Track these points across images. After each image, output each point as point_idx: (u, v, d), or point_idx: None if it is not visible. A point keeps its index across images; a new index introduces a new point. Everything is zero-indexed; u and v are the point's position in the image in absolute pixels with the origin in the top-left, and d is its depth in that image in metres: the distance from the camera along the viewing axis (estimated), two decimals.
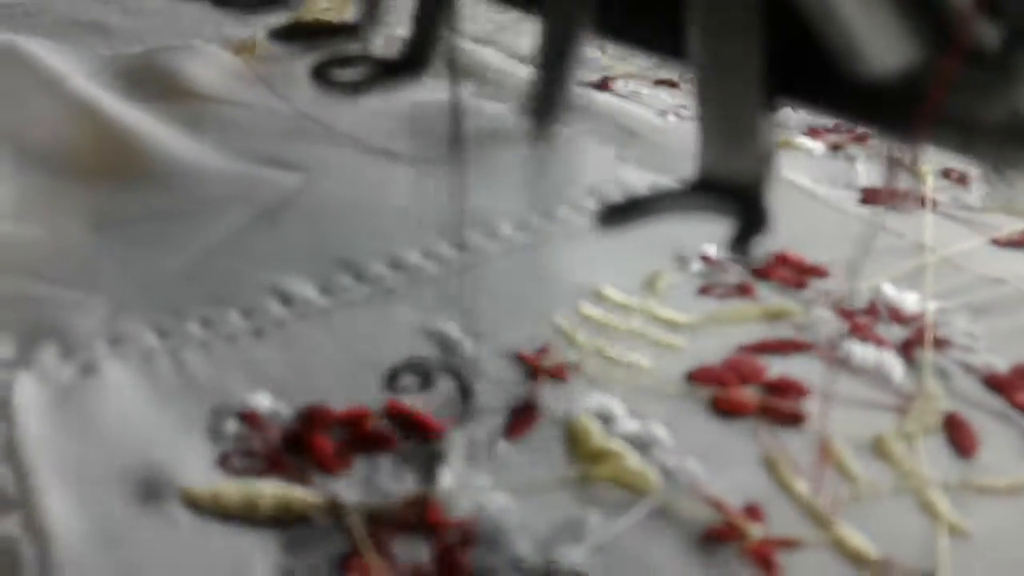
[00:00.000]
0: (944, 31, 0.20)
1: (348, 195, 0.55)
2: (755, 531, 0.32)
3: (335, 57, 0.37)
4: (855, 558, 0.31)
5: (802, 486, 0.34)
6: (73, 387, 0.38)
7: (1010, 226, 0.54)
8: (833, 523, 0.32)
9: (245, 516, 0.32)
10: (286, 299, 0.45)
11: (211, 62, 0.74)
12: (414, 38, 0.38)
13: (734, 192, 0.27)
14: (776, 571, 0.31)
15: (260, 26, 0.73)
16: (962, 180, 0.59)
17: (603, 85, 0.72)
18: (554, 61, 0.31)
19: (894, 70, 0.21)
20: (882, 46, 0.21)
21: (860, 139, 0.64)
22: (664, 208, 0.29)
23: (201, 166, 0.58)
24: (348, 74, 0.37)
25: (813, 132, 0.65)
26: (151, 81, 0.71)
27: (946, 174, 0.60)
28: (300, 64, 0.73)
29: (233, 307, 0.44)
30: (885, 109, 0.23)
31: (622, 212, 0.29)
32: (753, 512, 0.33)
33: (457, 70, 0.36)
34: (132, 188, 0.54)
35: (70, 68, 0.67)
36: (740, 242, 0.26)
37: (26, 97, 0.63)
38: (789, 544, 0.32)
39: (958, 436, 0.37)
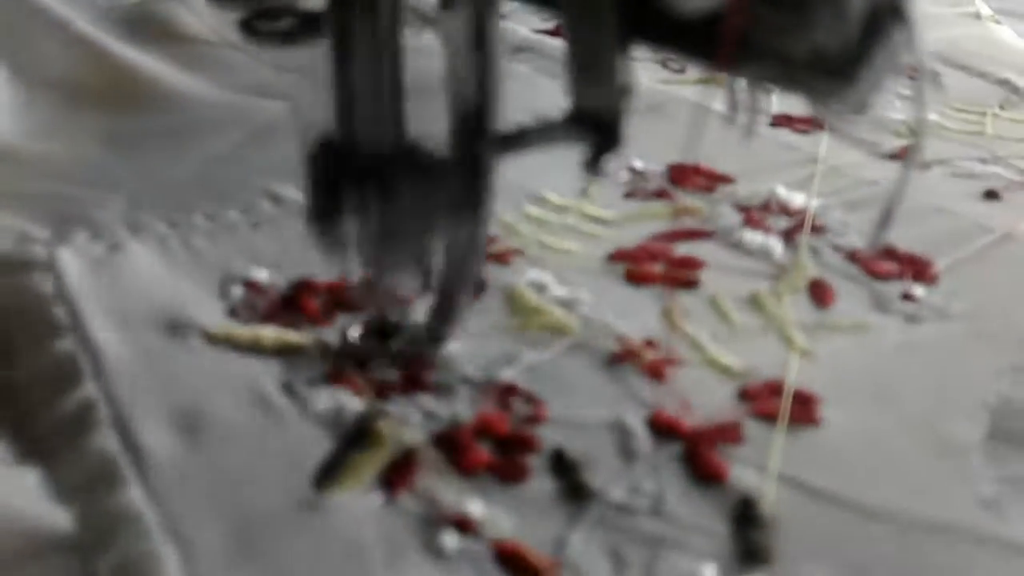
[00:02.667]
0: None
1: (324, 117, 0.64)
2: (649, 354, 0.41)
3: (262, 10, 0.44)
4: (724, 371, 0.41)
5: (691, 328, 0.44)
6: (103, 260, 0.46)
7: (891, 143, 0.63)
8: (707, 349, 0.42)
9: (252, 348, 0.41)
10: (276, 199, 0.53)
11: (201, 10, 0.82)
12: None
13: (597, 122, 0.35)
14: (664, 379, 0.40)
15: None
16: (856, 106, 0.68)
17: (555, 31, 0.81)
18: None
19: (701, 10, 0.29)
20: None
21: None
22: (545, 138, 0.37)
23: (198, 95, 0.66)
24: (275, 26, 0.44)
25: None
26: (147, 27, 0.78)
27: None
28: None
29: (232, 205, 0.52)
30: (703, 44, 0.31)
31: (513, 141, 0.36)
32: (649, 343, 0.42)
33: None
34: (138, 112, 0.63)
35: (74, 14, 0.75)
36: (594, 161, 0.34)
37: (36, 38, 0.71)
38: (674, 362, 0.41)
39: (818, 293, 0.47)
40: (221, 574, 0.30)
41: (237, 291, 0.45)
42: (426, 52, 0.36)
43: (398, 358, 0.41)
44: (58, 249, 0.46)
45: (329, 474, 0.34)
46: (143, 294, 0.44)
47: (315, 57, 0.54)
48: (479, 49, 0.34)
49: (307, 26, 0.46)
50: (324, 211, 0.38)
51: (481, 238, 0.37)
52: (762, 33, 0.31)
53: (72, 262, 0.45)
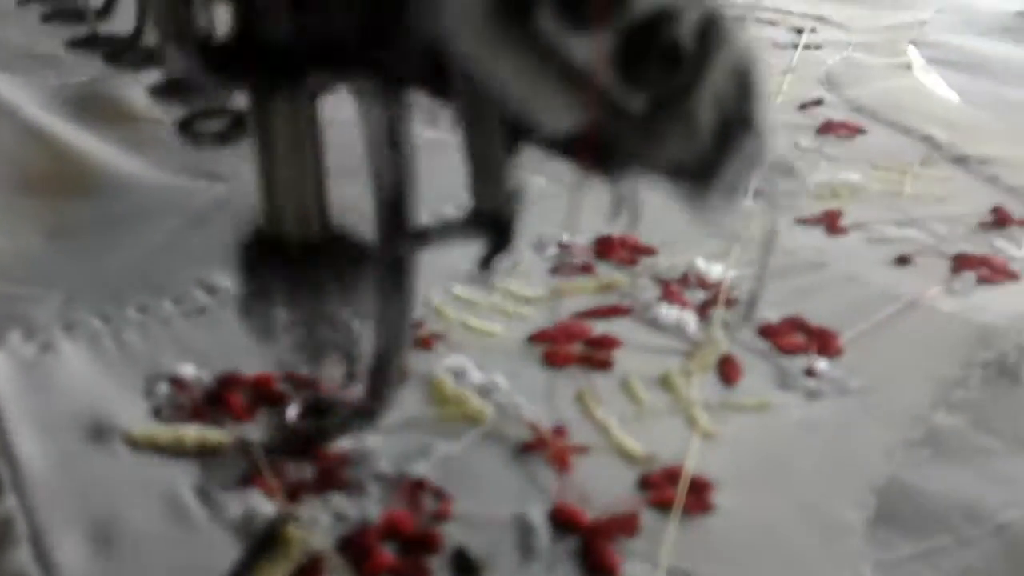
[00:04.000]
0: (590, 104, 0.31)
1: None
2: (558, 443, 0.43)
3: (199, 111, 0.47)
4: (627, 457, 0.42)
5: (602, 412, 0.45)
6: (34, 362, 0.48)
7: (811, 208, 0.65)
8: (615, 434, 0.44)
9: (173, 451, 0.42)
10: (211, 289, 0.55)
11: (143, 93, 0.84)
12: None
13: (493, 222, 0.37)
14: (569, 469, 0.42)
15: None
16: (781, 168, 0.71)
17: None
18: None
19: (565, 129, 0.31)
20: (551, 115, 0.31)
21: None
22: (447, 236, 0.39)
23: (141, 179, 0.68)
24: (211, 125, 0.46)
25: None
26: (96, 106, 0.80)
27: (776, 165, 0.71)
28: None
29: (166, 296, 0.54)
30: (572, 154, 0.33)
31: (417, 239, 0.38)
32: (559, 431, 0.44)
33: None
34: (81, 201, 0.64)
35: (24, 98, 0.77)
36: (486, 261, 0.36)
37: None
38: (580, 450, 0.43)
39: (727, 370, 0.49)
40: None
41: (163, 389, 0.47)
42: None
43: (334, 436, 0.43)
44: None
45: None
46: (70, 397, 0.45)
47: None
48: (394, 148, 0.36)
49: (242, 125, 0.47)
50: (254, 300, 0.40)
51: (406, 324, 0.39)
52: (622, 146, 0.33)
53: (3, 367, 0.47)
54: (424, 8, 0.29)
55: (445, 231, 0.37)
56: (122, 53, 0.79)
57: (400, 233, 0.37)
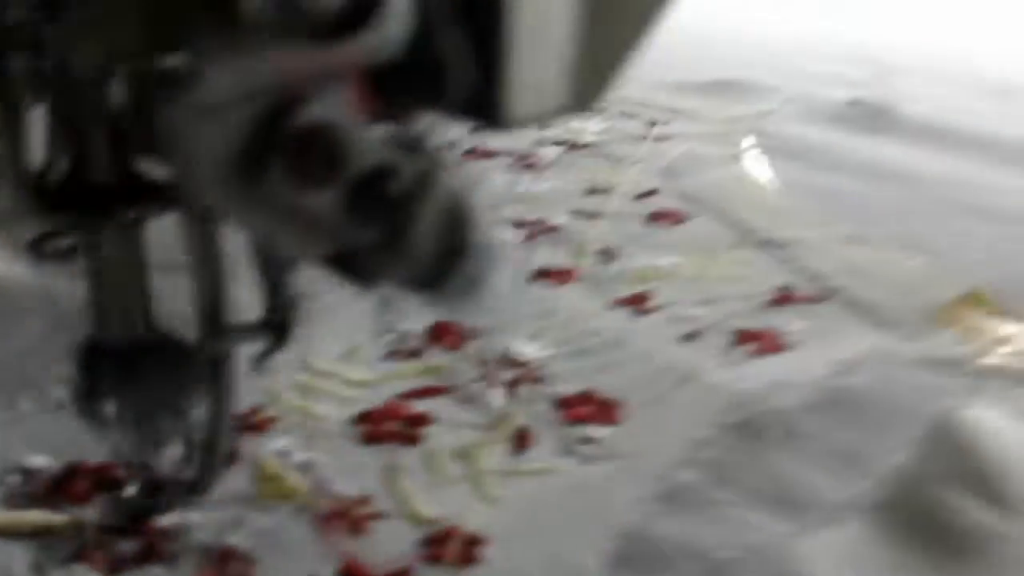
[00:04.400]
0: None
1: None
2: (358, 509, 0.50)
3: (47, 232, 0.53)
4: (417, 520, 0.50)
5: (405, 482, 0.53)
6: None
7: (626, 291, 0.74)
8: (411, 501, 0.51)
9: (12, 533, 0.48)
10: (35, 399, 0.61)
11: None
12: None
13: (273, 328, 0.44)
14: (366, 531, 0.49)
15: None
16: (607, 255, 0.80)
17: None
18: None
19: (311, 258, 0.39)
20: (295, 249, 0.38)
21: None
22: (245, 337, 0.46)
23: (14, 280, 0.74)
24: (58, 245, 0.53)
25: None
26: None
27: (603, 252, 0.81)
28: None
29: (28, 394, 0.60)
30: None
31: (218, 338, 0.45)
32: (363, 501, 0.51)
33: None
34: None
35: None
36: (262, 358, 0.44)
37: None
38: (376, 516, 0.50)
39: (519, 440, 0.56)
40: None
41: (14, 478, 0.53)
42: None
43: (163, 511, 0.49)
44: None
45: None
46: None
47: None
48: (209, 260, 0.43)
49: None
50: (87, 395, 0.46)
51: (227, 411, 0.46)
52: (362, 266, 0.40)
53: None
54: (177, 169, 0.37)
55: (241, 332, 0.44)
56: None
57: (213, 335, 0.45)
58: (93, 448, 0.54)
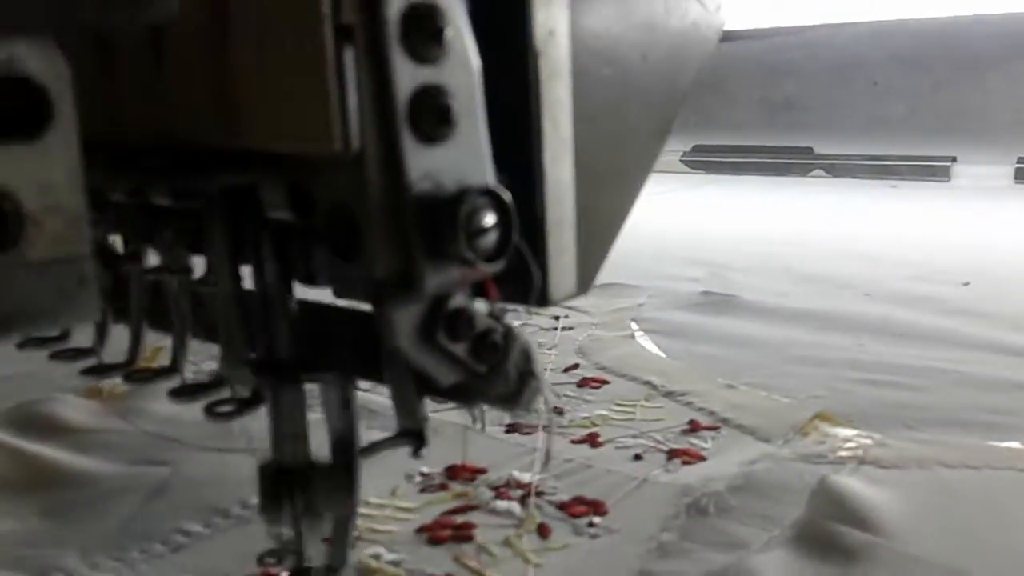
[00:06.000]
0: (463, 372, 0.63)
1: (198, 474, 0.91)
2: None
3: (216, 401, 0.73)
4: None
5: (471, 562, 0.74)
6: None
7: (579, 433, 1.00)
8: (483, 572, 0.72)
9: None
10: (184, 532, 0.79)
11: (74, 406, 1.07)
12: None
13: (411, 436, 0.67)
14: None
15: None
16: (558, 411, 1.06)
17: None
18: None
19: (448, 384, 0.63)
20: (444, 378, 0.63)
21: None
22: (387, 446, 0.69)
23: (97, 471, 0.91)
24: (227, 406, 0.73)
25: None
26: (33, 424, 1.02)
27: (555, 410, 1.07)
28: (137, 399, 1.09)
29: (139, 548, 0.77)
30: (450, 396, 0.65)
31: (364, 451, 0.68)
32: (447, 575, 0.72)
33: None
34: (47, 494, 0.86)
35: None
36: (415, 453, 0.66)
37: None
38: None
39: (542, 531, 0.79)
40: None
41: None
42: None
43: None
44: None
45: None
46: None
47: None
48: (345, 408, 0.65)
49: (247, 404, 0.73)
50: (270, 505, 0.66)
51: (355, 511, 0.66)
52: (474, 390, 0.64)
53: None
54: (386, 336, 0.60)
55: (385, 443, 0.66)
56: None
57: (349, 455, 0.66)
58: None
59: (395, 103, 0.50)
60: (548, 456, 0.87)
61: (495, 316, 0.64)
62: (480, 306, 0.63)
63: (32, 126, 0.37)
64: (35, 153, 0.37)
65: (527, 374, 0.65)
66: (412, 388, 0.67)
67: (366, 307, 0.63)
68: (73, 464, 0.92)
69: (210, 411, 0.73)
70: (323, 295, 0.63)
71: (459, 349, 0.61)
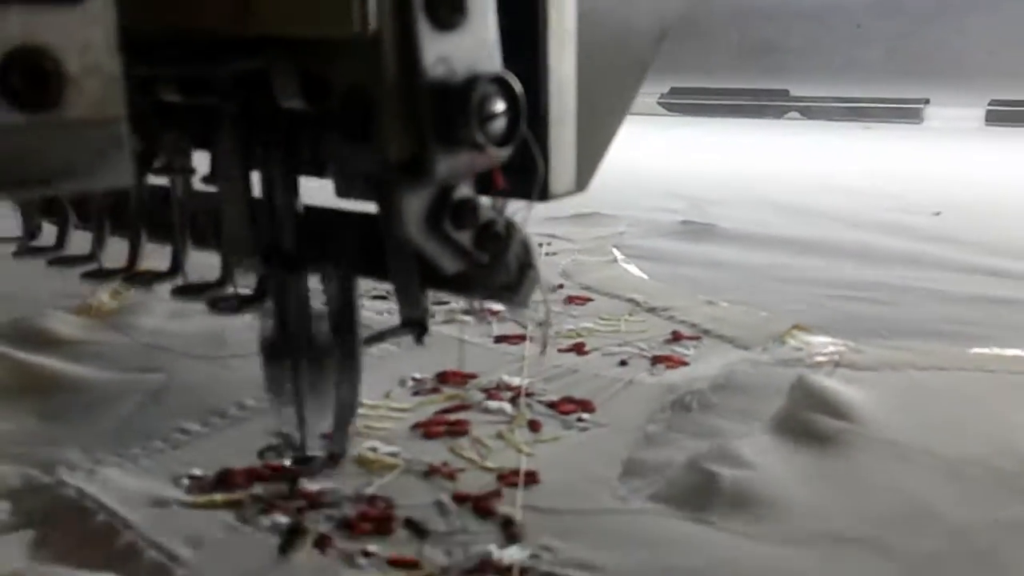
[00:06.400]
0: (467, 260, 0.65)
1: (193, 380, 0.92)
2: (445, 469, 0.73)
3: (218, 297, 0.75)
4: (491, 470, 0.73)
5: (468, 453, 0.76)
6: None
7: (566, 343, 1.03)
8: (478, 462, 0.75)
9: (212, 506, 0.68)
10: (183, 431, 0.81)
11: (64, 321, 1.08)
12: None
13: (414, 326, 0.69)
14: (457, 479, 0.72)
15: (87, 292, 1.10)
16: (545, 325, 1.09)
17: None
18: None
19: (453, 271, 0.65)
20: (449, 265, 0.65)
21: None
22: (388, 336, 0.71)
23: (93, 377, 0.92)
24: (230, 302, 0.74)
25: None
26: (27, 337, 1.03)
27: (541, 324, 1.09)
28: (128, 315, 1.10)
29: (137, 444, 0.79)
30: (452, 286, 0.67)
31: (370, 339, 0.70)
32: (444, 463, 0.74)
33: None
34: (46, 397, 0.88)
35: None
36: (419, 339, 0.68)
37: None
38: (460, 470, 0.73)
39: (532, 426, 0.82)
40: None
41: (185, 482, 0.72)
42: None
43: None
44: None
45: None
46: None
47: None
48: (345, 295, 0.67)
49: (249, 302, 0.75)
50: (275, 381, 0.68)
51: (357, 396, 0.68)
52: (478, 279, 0.66)
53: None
54: (393, 221, 0.61)
55: (389, 332, 0.68)
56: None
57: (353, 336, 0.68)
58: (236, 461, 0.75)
59: None
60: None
61: (498, 209, 0.66)
62: (483, 200, 0.65)
63: None
64: (77, 14, 0.38)
65: (526, 265, 0.67)
66: (416, 278, 0.69)
67: (369, 208, 0.64)
68: (68, 372, 0.94)
69: (214, 306, 0.75)
70: (327, 199, 0.64)
71: (463, 238, 0.62)
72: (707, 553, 0.62)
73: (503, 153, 0.60)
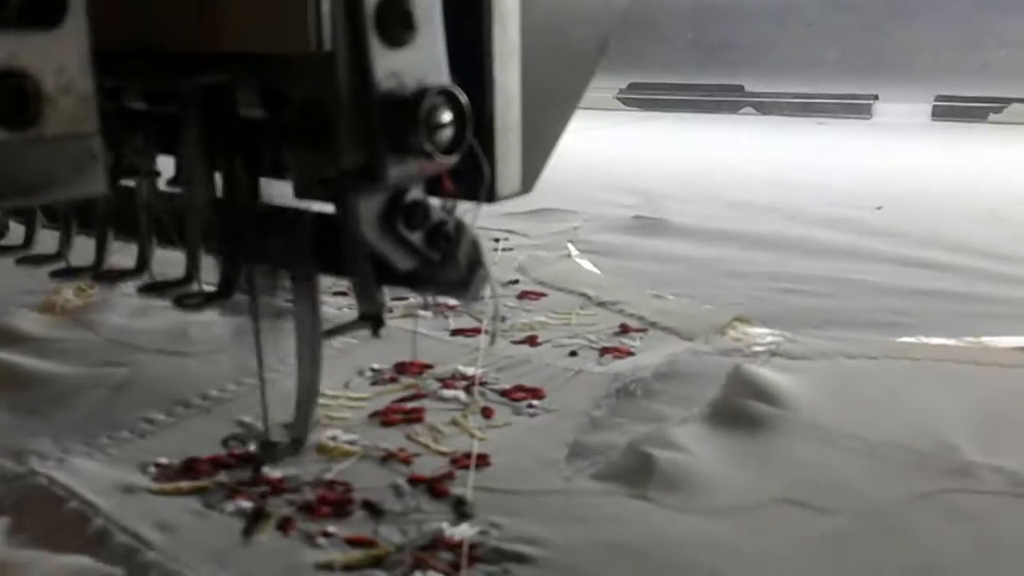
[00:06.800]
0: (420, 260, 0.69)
1: (158, 373, 0.96)
2: (401, 454, 0.78)
3: (183, 296, 0.79)
4: (445, 454, 0.78)
5: (423, 439, 0.81)
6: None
7: (519, 335, 1.08)
8: (432, 446, 0.79)
9: (177, 492, 0.71)
10: (149, 421, 0.84)
11: (29, 319, 1.10)
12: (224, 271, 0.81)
13: (371, 320, 0.73)
14: (412, 462, 0.76)
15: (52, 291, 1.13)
16: (499, 319, 1.13)
17: None
18: None
19: (404, 269, 0.69)
20: (402, 263, 0.69)
21: (450, 307, 1.17)
22: (346, 330, 0.75)
23: (57, 372, 0.95)
24: (195, 299, 0.78)
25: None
26: None
27: (494, 318, 1.14)
28: (92, 313, 1.13)
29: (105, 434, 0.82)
30: (407, 283, 0.71)
31: (329, 332, 0.74)
32: (400, 449, 0.79)
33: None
34: (13, 394, 0.90)
35: None
36: (374, 332, 0.73)
37: None
38: (415, 455, 0.78)
39: (485, 413, 0.86)
40: None
41: (152, 470, 0.75)
42: None
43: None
44: None
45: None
46: None
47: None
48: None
49: (214, 298, 0.78)
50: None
51: (317, 382, 0.72)
52: (431, 276, 0.70)
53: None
54: (348, 222, 0.65)
55: (347, 326, 0.72)
56: None
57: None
58: (201, 450, 0.78)
59: (364, 9, 0.56)
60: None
61: (448, 210, 0.71)
62: (435, 202, 0.69)
63: (52, 15, 0.41)
64: (53, 39, 0.42)
65: (476, 263, 0.72)
66: (372, 275, 0.73)
67: (327, 209, 0.68)
68: (35, 367, 0.96)
69: (179, 303, 0.78)
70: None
71: (415, 237, 0.67)
72: (642, 527, 0.67)
73: (451, 160, 0.64)
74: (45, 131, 0.41)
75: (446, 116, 0.59)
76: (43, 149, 0.41)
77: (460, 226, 0.70)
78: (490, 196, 0.71)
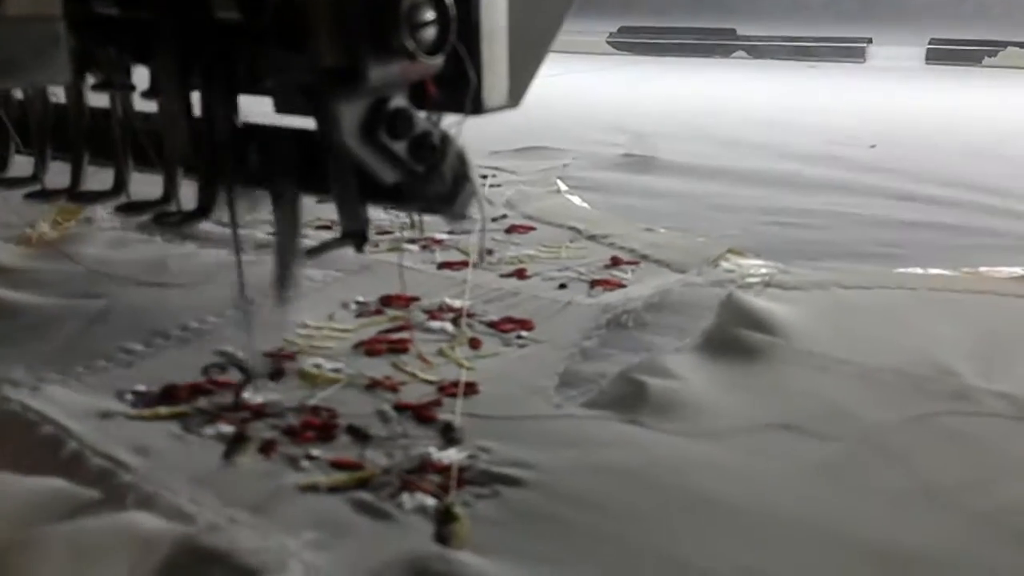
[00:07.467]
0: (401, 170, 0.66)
1: (135, 304, 0.93)
2: (388, 382, 0.76)
3: (162, 214, 0.76)
4: (432, 383, 0.76)
5: (409, 368, 0.79)
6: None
7: (508, 268, 1.05)
8: (419, 375, 0.77)
9: (157, 419, 0.69)
10: (126, 351, 0.82)
11: (4, 251, 1.07)
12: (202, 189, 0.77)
13: (353, 238, 0.71)
14: (399, 390, 0.74)
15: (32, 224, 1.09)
16: (487, 252, 1.11)
17: None
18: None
19: (390, 181, 0.66)
20: (386, 175, 0.65)
21: (437, 241, 1.15)
22: (331, 247, 0.72)
23: (40, 301, 0.92)
24: (173, 219, 0.75)
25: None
26: None
27: (482, 252, 1.11)
28: (69, 245, 1.09)
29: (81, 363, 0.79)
30: (389, 198, 0.69)
31: (313, 250, 0.71)
32: (387, 377, 0.77)
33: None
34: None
35: None
36: (358, 248, 0.70)
37: None
38: (402, 383, 0.75)
39: (473, 344, 0.84)
40: None
41: (128, 398, 0.73)
42: None
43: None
44: None
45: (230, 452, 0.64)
46: None
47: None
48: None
49: (191, 217, 0.75)
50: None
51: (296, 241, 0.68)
52: (415, 190, 0.67)
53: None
54: (330, 130, 0.62)
55: (332, 243, 0.69)
56: None
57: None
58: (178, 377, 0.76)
59: None
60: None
61: (433, 122, 0.67)
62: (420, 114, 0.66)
63: None
64: None
65: (462, 177, 0.69)
66: (355, 190, 0.70)
67: (308, 125, 0.65)
68: (11, 298, 0.93)
69: (158, 220, 0.76)
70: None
71: (399, 147, 0.64)
72: (634, 450, 0.65)
73: (435, 62, 0.61)
74: (6, 12, 0.38)
75: (429, 14, 0.56)
76: (4, 31, 0.38)
77: (445, 138, 0.67)
78: (476, 107, 0.68)
